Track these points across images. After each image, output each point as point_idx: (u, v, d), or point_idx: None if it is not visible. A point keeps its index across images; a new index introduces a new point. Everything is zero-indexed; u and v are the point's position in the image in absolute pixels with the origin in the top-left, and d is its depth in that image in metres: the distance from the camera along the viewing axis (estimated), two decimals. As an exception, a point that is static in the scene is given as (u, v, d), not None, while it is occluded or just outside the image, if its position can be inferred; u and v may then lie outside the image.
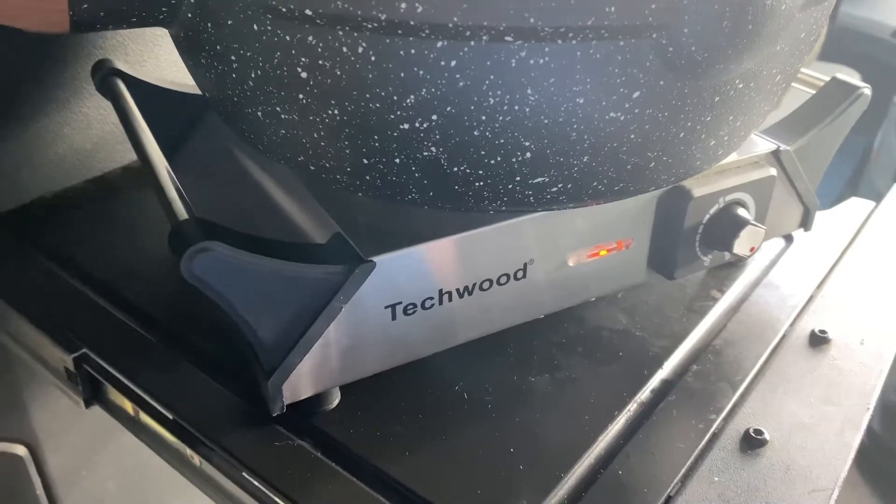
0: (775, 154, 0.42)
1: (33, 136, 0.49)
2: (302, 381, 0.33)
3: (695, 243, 0.40)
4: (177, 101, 0.46)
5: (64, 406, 0.52)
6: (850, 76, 0.46)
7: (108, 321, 0.41)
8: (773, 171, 0.41)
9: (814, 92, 0.46)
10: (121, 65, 0.45)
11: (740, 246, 0.39)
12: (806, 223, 0.46)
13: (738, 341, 0.41)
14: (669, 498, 0.32)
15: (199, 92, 0.43)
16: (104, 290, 0.43)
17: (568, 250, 0.37)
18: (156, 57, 0.53)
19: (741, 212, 0.39)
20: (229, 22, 0.29)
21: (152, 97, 0.44)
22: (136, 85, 0.44)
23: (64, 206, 0.51)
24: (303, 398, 0.34)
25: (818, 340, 0.41)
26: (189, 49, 0.33)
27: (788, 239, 0.49)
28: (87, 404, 0.41)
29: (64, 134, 0.50)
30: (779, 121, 0.44)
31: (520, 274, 0.36)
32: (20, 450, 0.52)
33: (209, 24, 0.30)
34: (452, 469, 0.33)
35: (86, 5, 0.29)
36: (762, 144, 0.42)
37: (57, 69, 0.48)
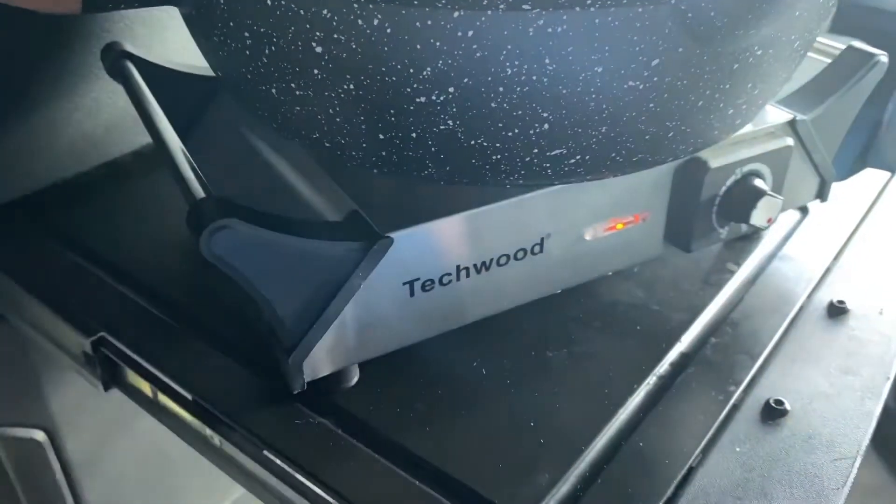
0: (792, 124, 0.41)
1: (45, 122, 0.49)
2: (322, 358, 0.33)
3: (711, 215, 0.39)
4: (187, 82, 0.45)
5: (82, 390, 0.53)
6: (862, 48, 0.45)
7: (125, 304, 0.41)
8: (790, 142, 0.40)
9: (829, 61, 0.46)
10: (129, 48, 0.45)
11: (757, 217, 0.39)
12: (822, 194, 0.46)
13: (756, 313, 0.41)
14: (691, 469, 0.32)
15: (209, 74, 0.43)
16: (120, 273, 0.43)
17: (584, 224, 0.37)
18: (163, 40, 0.53)
19: (758, 183, 0.39)
20: (242, -2, 0.28)
21: (163, 79, 0.44)
22: (146, 67, 0.44)
23: (77, 192, 0.51)
24: (322, 375, 0.34)
25: (836, 311, 0.41)
26: (201, 27, 0.32)
27: (804, 210, 0.49)
28: (106, 387, 0.41)
29: (75, 119, 0.50)
30: (795, 90, 0.44)
31: (536, 249, 0.36)
32: (39, 435, 0.53)
33: (221, 1, 0.29)
34: (473, 444, 0.33)
35: (97, -16, 0.29)
36: (778, 114, 0.41)
37: (65, 54, 0.48)
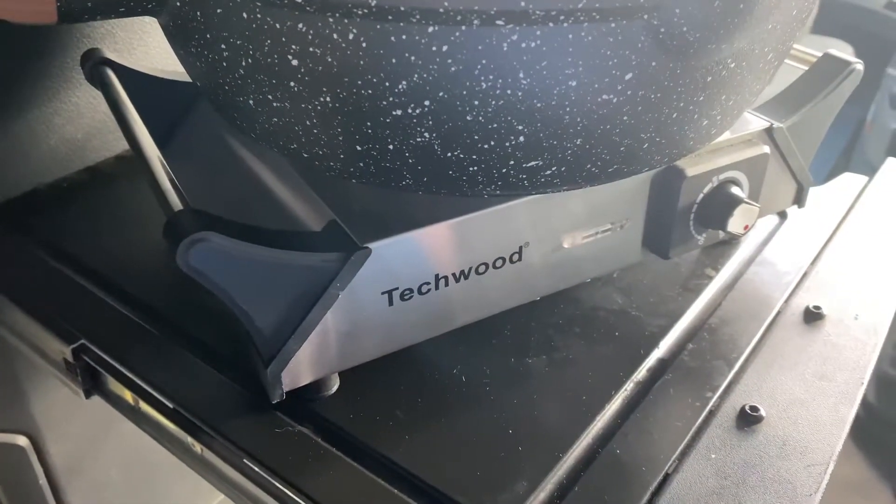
0: (768, 131, 0.42)
1: (24, 127, 0.49)
2: (301, 368, 0.33)
3: (689, 222, 0.40)
4: (167, 88, 0.45)
5: (64, 396, 0.52)
6: (843, 49, 0.46)
7: (106, 311, 0.41)
8: (767, 149, 0.41)
9: (806, 68, 0.46)
10: (109, 53, 0.45)
11: (734, 224, 0.39)
12: (799, 200, 0.46)
13: (734, 319, 0.41)
14: (667, 476, 0.33)
15: (189, 79, 0.42)
16: (101, 280, 0.43)
17: (563, 232, 0.38)
18: (144, 45, 0.53)
19: (735, 190, 0.39)
20: (218, 10, 0.28)
21: (142, 86, 0.44)
22: (125, 74, 0.44)
23: (58, 197, 0.51)
24: (302, 385, 0.34)
25: (812, 316, 0.41)
26: (178, 38, 0.32)
27: (782, 216, 0.49)
28: (87, 395, 0.41)
29: (55, 124, 0.50)
30: (771, 98, 0.44)
31: (515, 257, 0.37)
32: (21, 440, 0.53)
33: (198, 13, 0.29)
34: (452, 451, 0.34)
35: (73, -5, 0.29)
36: (755, 122, 0.42)
37: (45, 60, 0.48)
